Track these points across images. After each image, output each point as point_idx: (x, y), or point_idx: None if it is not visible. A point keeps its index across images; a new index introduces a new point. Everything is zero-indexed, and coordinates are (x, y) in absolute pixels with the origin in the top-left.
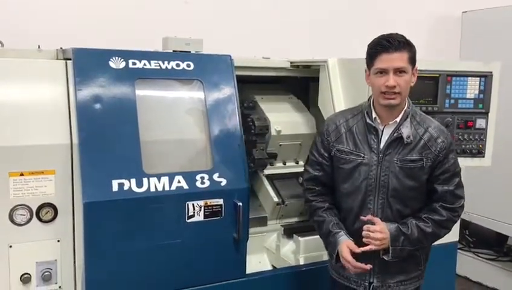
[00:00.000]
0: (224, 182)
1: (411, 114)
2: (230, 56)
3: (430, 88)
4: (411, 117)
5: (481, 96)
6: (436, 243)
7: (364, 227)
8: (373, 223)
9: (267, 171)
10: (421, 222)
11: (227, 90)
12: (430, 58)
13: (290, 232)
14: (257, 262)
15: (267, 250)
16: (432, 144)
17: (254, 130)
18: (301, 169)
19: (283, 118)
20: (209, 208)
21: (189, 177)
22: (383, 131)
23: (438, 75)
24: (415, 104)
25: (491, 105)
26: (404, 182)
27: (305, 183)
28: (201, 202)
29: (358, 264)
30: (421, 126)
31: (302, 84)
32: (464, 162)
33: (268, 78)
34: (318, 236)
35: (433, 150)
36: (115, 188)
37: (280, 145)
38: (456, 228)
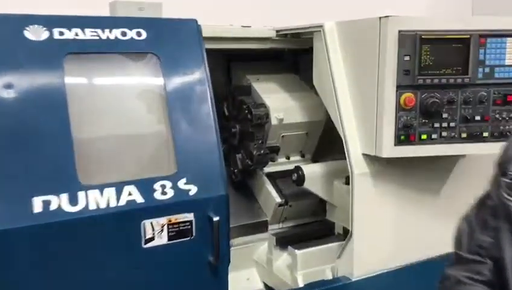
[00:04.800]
0: (193, 190)
1: None
2: (195, 21)
3: (459, 54)
4: None
5: None
6: None
7: None
8: None
9: (267, 169)
10: None
11: (194, 67)
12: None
13: (283, 242)
14: (245, 279)
15: (257, 263)
16: None
17: (251, 119)
18: (308, 164)
19: (285, 102)
20: (175, 226)
21: (145, 186)
22: None
23: (468, 36)
24: (439, 76)
25: None
26: None
27: (466, 249)
28: (163, 220)
29: None
30: None
31: (291, 58)
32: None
33: (267, 54)
34: (318, 247)
35: None
36: (38, 207)
37: (282, 136)
38: None
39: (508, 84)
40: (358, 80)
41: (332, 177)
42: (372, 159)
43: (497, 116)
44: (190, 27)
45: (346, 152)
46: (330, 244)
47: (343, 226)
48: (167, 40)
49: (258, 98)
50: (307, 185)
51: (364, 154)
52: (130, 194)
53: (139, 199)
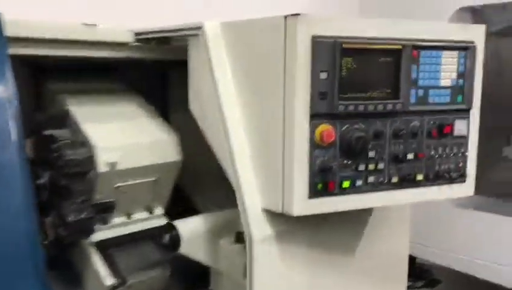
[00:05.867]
0: None
1: None
2: None
3: (388, 70)
4: None
5: (460, 82)
6: None
7: None
8: None
9: (97, 236)
10: None
11: None
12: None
13: None
14: None
15: None
16: None
17: (63, 167)
18: (159, 222)
19: (120, 138)
20: None
21: None
22: None
23: (399, 47)
24: (365, 100)
25: (474, 96)
26: None
27: None
28: None
29: None
30: None
31: (156, 73)
32: (438, 193)
33: (96, 63)
34: None
35: None
36: None
37: (117, 187)
38: None
39: (443, 111)
40: (256, 106)
41: (217, 235)
42: (277, 216)
43: (432, 152)
44: None
45: (240, 208)
46: None
47: None
48: None
49: (78, 131)
50: (185, 249)
51: (266, 210)
52: None
53: None
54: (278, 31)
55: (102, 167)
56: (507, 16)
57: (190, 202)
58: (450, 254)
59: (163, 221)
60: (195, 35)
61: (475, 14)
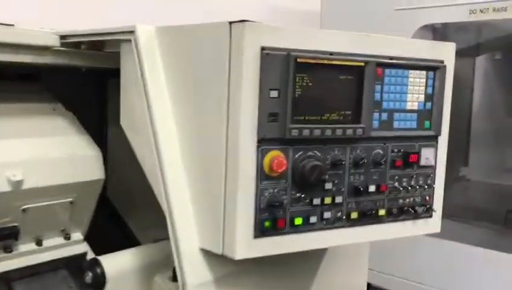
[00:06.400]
0: None
1: None
2: None
3: (348, 90)
4: None
5: (428, 105)
6: None
7: None
8: None
9: None
10: None
11: None
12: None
13: None
14: None
15: None
16: None
17: None
18: (77, 249)
19: (29, 153)
20: None
21: None
22: None
23: (362, 64)
24: (322, 124)
25: (443, 122)
26: None
27: None
28: None
29: None
30: None
31: (93, 82)
32: (402, 231)
33: (21, 68)
34: None
35: None
36: None
37: (24, 210)
38: None
39: (409, 138)
40: (196, 127)
41: (152, 270)
42: (218, 258)
43: (396, 184)
44: None
45: (173, 247)
46: None
47: None
48: None
49: None
50: (112, 288)
51: (204, 250)
52: None
53: None
54: (222, 39)
55: (2, 185)
56: (467, 36)
57: (124, 225)
58: (405, 281)
59: (82, 248)
60: (127, 40)
61: (436, 33)
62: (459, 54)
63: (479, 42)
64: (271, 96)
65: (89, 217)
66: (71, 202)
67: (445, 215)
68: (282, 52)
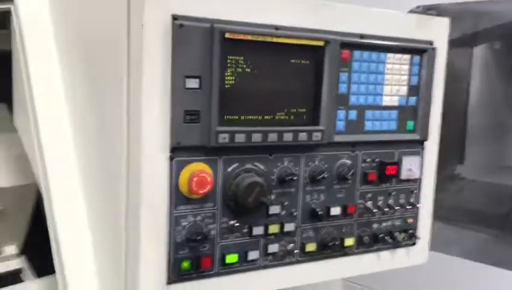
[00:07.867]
0: None
1: None
2: None
3: (302, 80)
4: None
5: (412, 101)
6: None
7: None
8: None
9: None
10: None
11: None
12: None
13: None
14: None
15: None
16: None
17: None
18: (11, 265)
19: None
20: None
21: None
22: None
23: (321, 43)
24: (263, 126)
25: (432, 123)
26: None
27: None
28: None
29: None
30: None
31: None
32: (376, 265)
33: None
34: None
35: None
36: None
37: None
38: None
39: (386, 143)
40: (93, 130)
41: None
42: None
43: (368, 204)
44: None
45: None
46: None
47: None
48: None
49: None
50: None
51: None
52: None
53: None
54: (119, 6)
55: None
56: (465, 24)
57: None
58: None
59: (17, 263)
60: (6, 11)
61: None
62: (456, 43)
63: (477, 31)
64: (188, 86)
65: (24, 227)
66: (1, 211)
67: (438, 217)
68: (204, 24)
